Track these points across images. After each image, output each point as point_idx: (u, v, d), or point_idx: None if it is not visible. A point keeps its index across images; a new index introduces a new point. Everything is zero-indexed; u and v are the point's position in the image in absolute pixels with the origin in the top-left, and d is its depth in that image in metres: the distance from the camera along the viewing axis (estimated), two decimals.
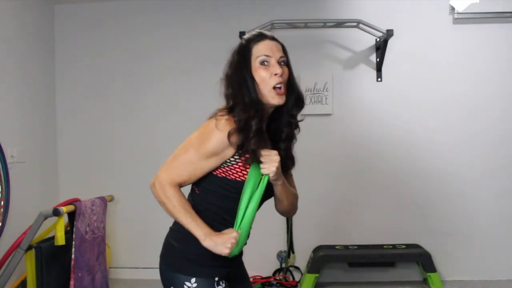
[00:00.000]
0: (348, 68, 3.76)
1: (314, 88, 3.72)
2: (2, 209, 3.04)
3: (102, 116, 3.91)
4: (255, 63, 1.44)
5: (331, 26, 3.64)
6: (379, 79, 3.72)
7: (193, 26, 3.83)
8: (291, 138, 1.52)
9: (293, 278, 3.70)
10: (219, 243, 1.36)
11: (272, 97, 1.43)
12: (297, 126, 1.53)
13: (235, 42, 3.45)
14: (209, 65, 3.75)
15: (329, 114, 3.74)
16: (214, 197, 1.45)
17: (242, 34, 3.44)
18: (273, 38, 1.49)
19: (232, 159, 1.41)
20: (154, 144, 3.84)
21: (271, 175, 1.39)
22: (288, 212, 1.59)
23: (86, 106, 3.93)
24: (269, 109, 1.46)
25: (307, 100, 3.68)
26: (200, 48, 3.79)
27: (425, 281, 3.56)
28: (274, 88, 1.43)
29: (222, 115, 1.41)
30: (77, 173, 3.92)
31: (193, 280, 1.42)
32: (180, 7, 3.84)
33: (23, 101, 3.48)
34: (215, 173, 1.43)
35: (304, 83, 3.71)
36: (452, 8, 3.64)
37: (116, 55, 3.90)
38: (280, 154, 1.42)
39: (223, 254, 1.37)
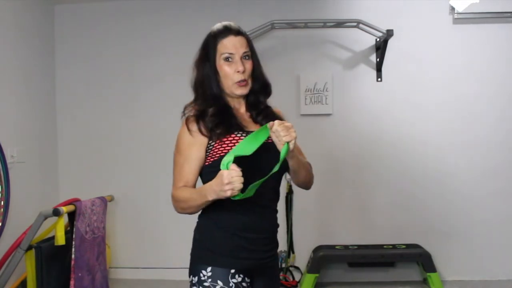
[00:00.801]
0: (348, 68, 3.76)
1: (314, 88, 3.72)
2: (2, 209, 3.04)
3: (102, 116, 3.91)
4: (219, 59, 1.53)
5: (331, 26, 3.64)
6: (379, 79, 3.72)
7: (193, 26, 3.82)
8: (258, 103, 1.60)
9: (293, 278, 3.70)
10: (218, 190, 1.32)
11: (236, 89, 1.53)
12: (264, 105, 1.61)
13: None
14: None
15: (329, 114, 3.74)
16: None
17: None
18: (238, 33, 1.55)
19: (210, 141, 1.48)
20: (154, 144, 3.84)
21: (291, 145, 1.37)
22: (307, 182, 1.61)
23: (86, 106, 3.93)
24: (236, 98, 1.57)
25: (307, 100, 3.73)
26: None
27: (425, 281, 3.56)
28: (237, 82, 1.52)
29: (189, 112, 1.55)
30: (77, 173, 3.92)
31: (209, 269, 1.44)
32: (180, 7, 3.84)
33: (23, 101, 3.48)
34: (205, 164, 1.50)
35: (304, 83, 3.71)
36: (452, 8, 3.64)
37: (116, 55, 3.90)
38: (258, 118, 1.56)
39: (228, 196, 1.32)
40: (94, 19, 3.91)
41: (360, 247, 3.54)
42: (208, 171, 1.47)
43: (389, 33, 3.43)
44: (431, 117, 3.68)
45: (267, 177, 1.36)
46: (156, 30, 3.86)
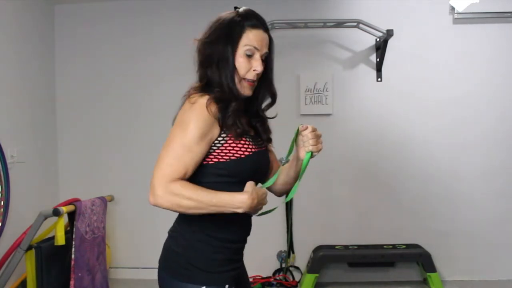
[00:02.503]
0: (348, 68, 3.76)
1: (314, 88, 3.72)
2: (2, 209, 3.04)
3: (102, 116, 3.91)
4: (241, 49, 1.38)
5: (331, 26, 3.64)
6: (379, 79, 3.72)
7: (193, 26, 3.79)
8: (264, 122, 1.51)
9: (293, 278, 3.70)
10: (255, 205, 1.28)
11: (244, 87, 1.40)
12: (265, 118, 1.51)
13: None
14: None
15: (329, 114, 3.74)
16: (218, 187, 1.33)
17: None
18: (266, 30, 1.43)
19: (219, 138, 1.34)
20: (154, 143, 3.81)
21: (316, 152, 1.38)
22: (283, 191, 1.57)
23: (86, 106, 3.93)
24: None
25: (307, 100, 3.73)
26: None
27: (425, 281, 3.56)
28: (248, 80, 1.40)
29: (197, 95, 1.36)
30: (77, 173, 3.92)
31: None
32: (180, 7, 3.84)
33: (23, 101, 3.48)
34: (205, 162, 1.34)
35: (304, 83, 3.71)
36: (452, 8, 3.64)
37: (116, 55, 3.90)
38: (260, 133, 1.46)
39: (255, 213, 1.31)
40: (94, 19, 3.91)
41: (360, 247, 3.54)
42: (210, 172, 1.35)
43: (389, 33, 3.43)
44: (431, 117, 3.68)
45: (296, 186, 1.40)
46: (156, 30, 3.86)
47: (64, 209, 2.83)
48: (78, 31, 3.91)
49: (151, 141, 3.86)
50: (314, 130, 1.35)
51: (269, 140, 1.52)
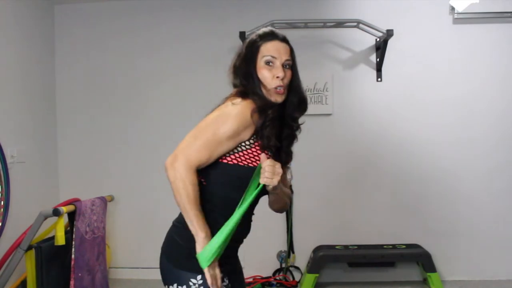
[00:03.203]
0: (348, 68, 3.76)
1: (314, 88, 3.72)
2: (2, 209, 3.04)
3: (102, 116, 3.91)
4: (260, 62, 1.48)
5: (331, 26, 3.64)
6: (379, 79, 3.72)
7: (193, 26, 3.82)
8: (292, 138, 1.54)
9: (293, 278, 3.70)
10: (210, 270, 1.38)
11: (271, 95, 1.46)
12: (298, 128, 1.55)
13: (236, 41, 3.46)
14: (209, 64, 3.76)
15: (329, 114, 3.74)
16: (221, 187, 1.44)
17: (242, 34, 3.44)
18: (283, 40, 1.52)
19: (247, 142, 1.41)
20: (154, 143, 3.83)
21: (271, 187, 1.40)
22: (280, 211, 1.63)
23: (86, 106, 3.93)
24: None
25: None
26: (200, 47, 3.79)
27: (425, 281, 3.56)
28: (275, 88, 1.46)
29: (238, 98, 1.44)
30: (77, 173, 3.92)
31: (199, 277, 1.41)
32: (181, 7, 3.84)
33: (23, 101, 3.48)
34: (225, 161, 1.42)
35: (304, 83, 3.64)
36: (452, 8, 3.64)
37: (116, 54, 3.90)
38: (280, 153, 1.46)
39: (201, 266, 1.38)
40: (94, 18, 3.91)
41: (360, 247, 3.54)
42: (223, 171, 1.42)
43: (389, 33, 3.43)
44: (431, 117, 3.68)
45: (239, 215, 1.39)
46: (156, 30, 3.86)
47: (64, 209, 2.83)
48: (78, 31, 3.91)
49: (151, 141, 3.87)
50: (273, 164, 1.37)
51: (285, 163, 1.55)
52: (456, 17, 3.64)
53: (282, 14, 3.62)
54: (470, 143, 3.65)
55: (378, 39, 3.66)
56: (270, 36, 1.50)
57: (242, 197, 1.40)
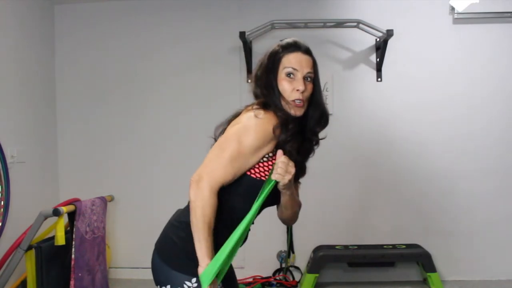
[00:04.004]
0: (348, 68, 3.76)
1: None
2: (2, 209, 3.04)
3: (102, 116, 3.91)
4: (281, 73, 1.46)
5: (331, 26, 3.64)
6: (379, 79, 3.72)
7: (194, 26, 3.82)
8: (309, 152, 1.54)
9: (293, 278, 3.70)
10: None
11: (290, 108, 1.45)
12: (318, 143, 1.54)
13: (236, 41, 3.45)
14: (209, 64, 3.76)
15: (329, 114, 3.73)
16: (238, 198, 1.42)
17: (242, 34, 3.44)
18: (306, 51, 1.51)
19: (267, 155, 1.40)
20: (154, 143, 3.83)
21: (281, 184, 1.37)
22: (290, 220, 1.59)
23: (86, 106, 3.93)
24: None
25: None
26: (200, 47, 3.79)
27: (425, 281, 3.56)
28: (293, 100, 1.44)
29: (259, 110, 1.41)
30: (77, 173, 3.92)
31: (194, 280, 1.39)
32: (180, 7, 3.84)
33: (23, 101, 3.48)
34: (248, 173, 1.40)
35: None
36: (452, 8, 3.64)
37: (116, 54, 3.90)
38: (295, 165, 1.41)
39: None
40: (94, 18, 3.91)
41: (360, 247, 3.54)
42: (244, 180, 1.39)
43: (389, 33, 3.43)
44: (431, 117, 3.68)
45: (252, 214, 1.36)
46: (156, 30, 3.86)
47: (64, 209, 2.83)
48: (78, 31, 3.91)
49: (151, 141, 3.87)
50: (287, 162, 1.36)
51: (297, 178, 1.55)
52: (456, 17, 3.64)
53: (282, 14, 3.61)
54: (469, 142, 3.66)
55: (378, 39, 3.66)
56: (292, 47, 1.49)
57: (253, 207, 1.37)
